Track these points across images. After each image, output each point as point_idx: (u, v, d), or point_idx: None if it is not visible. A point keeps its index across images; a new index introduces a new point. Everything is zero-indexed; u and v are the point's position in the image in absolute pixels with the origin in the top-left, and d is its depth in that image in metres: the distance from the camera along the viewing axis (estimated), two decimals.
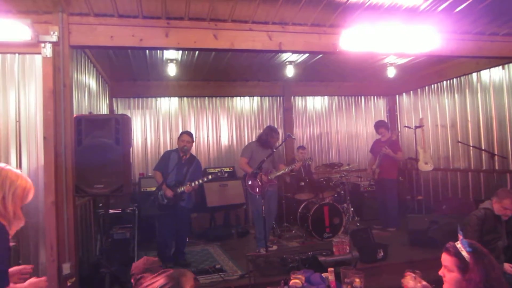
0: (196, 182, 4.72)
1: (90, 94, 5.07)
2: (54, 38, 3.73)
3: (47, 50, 3.73)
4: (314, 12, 4.19)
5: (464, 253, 1.88)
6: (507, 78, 5.74)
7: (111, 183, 3.40)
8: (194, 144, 7.11)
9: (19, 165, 3.65)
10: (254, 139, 7.60)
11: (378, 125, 6.60)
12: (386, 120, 7.10)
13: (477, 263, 1.84)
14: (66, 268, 3.63)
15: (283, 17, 4.25)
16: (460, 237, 1.99)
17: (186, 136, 4.97)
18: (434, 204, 6.97)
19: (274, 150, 5.27)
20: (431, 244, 4.97)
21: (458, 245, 1.94)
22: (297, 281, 2.63)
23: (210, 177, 4.90)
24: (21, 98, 3.73)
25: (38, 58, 3.75)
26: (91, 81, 5.22)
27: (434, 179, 7.29)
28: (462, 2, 4.15)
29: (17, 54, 3.74)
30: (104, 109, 6.11)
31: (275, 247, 5.49)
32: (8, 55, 3.73)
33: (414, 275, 2.40)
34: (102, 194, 3.48)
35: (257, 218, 5.18)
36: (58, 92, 3.72)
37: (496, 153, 5.89)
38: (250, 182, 5.20)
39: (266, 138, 5.31)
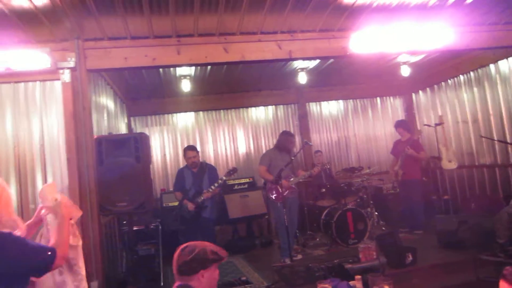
0: (213, 187, 4.75)
1: (108, 115, 5.22)
2: (71, 64, 3.88)
3: (66, 76, 3.88)
4: (321, 17, 4.22)
5: None
6: None
7: (134, 200, 3.47)
8: (212, 157, 7.25)
9: None
10: (271, 147, 7.67)
11: (396, 126, 6.49)
12: (405, 120, 6.97)
13: None
14: (94, 286, 3.69)
15: (291, 25, 4.30)
16: None
17: (191, 152, 5.00)
18: (462, 203, 6.76)
19: (293, 158, 5.23)
20: (462, 246, 4.80)
21: None
22: None
23: (223, 178, 4.84)
24: (44, 123, 3.88)
25: (57, 84, 3.91)
26: (109, 102, 5.37)
27: (459, 177, 7.07)
28: None
29: (38, 82, 3.91)
30: (123, 128, 6.26)
31: (300, 256, 5.43)
32: (30, 83, 3.90)
33: None
34: (126, 211, 3.55)
35: (280, 227, 5.13)
36: (78, 115, 3.85)
37: None
38: (271, 190, 5.17)
39: (283, 144, 5.29)
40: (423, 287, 3.93)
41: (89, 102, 4.00)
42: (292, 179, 5.23)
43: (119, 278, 4.56)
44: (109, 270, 4.32)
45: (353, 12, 4.15)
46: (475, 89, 6.60)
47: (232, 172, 4.91)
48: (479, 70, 6.45)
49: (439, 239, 5.21)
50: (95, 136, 3.76)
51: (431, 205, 7.04)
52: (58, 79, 3.89)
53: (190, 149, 5.05)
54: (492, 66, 6.18)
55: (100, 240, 3.82)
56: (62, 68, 3.88)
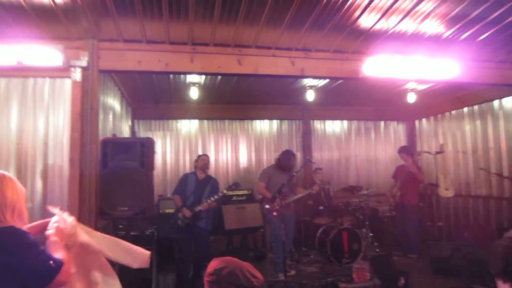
0: (212, 198, 4.74)
1: (114, 116, 5.19)
2: (84, 63, 3.87)
3: (77, 74, 3.86)
4: (337, 39, 4.26)
5: None
6: None
7: (135, 206, 3.44)
8: (213, 166, 7.22)
9: (45, 186, 3.72)
10: (272, 162, 7.65)
11: (399, 151, 6.55)
12: (408, 146, 7.04)
13: None
14: None
15: (306, 43, 4.32)
16: (502, 285, 1.81)
17: (205, 157, 5.22)
18: (455, 231, 6.81)
19: (295, 174, 5.23)
20: (454, 273, 4.85)
21: None
22: None
23: (224, 191, 4.89)
24: (50, 120, 3.84)
25: (67, 82, 3.88)
26: (116, 104, 5.35)
27: (455, 206, 7.11)
28: (485, 31, 4.16)
29: (47, 78, 3.87)
30: (126, 131, 6.23)
31: (293, 272, 5.42)
32: (40, 79, 3.86)
33: None
34: (126, 217, 3.51)
35: (275, 243, 5.13)
36: (85, 115, 3.82)
37: None
38: (267, 206, 5.19)
39: (285, 163, 5.33)
40: None
41: (97, 102, 3.98)
42: (289, 197, 5.25)
43: None
44: None
45: (369, 36, 4.19)
46: (478, 122, 6.68)
47: (234, 187, 4.96)
48: (483, 104, 6.54)
49: (432, 265, 5.25)
50: (101, 138, 3.72)
51: (426, 230, 7.09)
52: (69, 77, 3.87)
53: (205, 155, 5.37)
54: (496, 101, 6.27)
55: None
56: (74, 67, 3.86)
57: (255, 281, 1.73)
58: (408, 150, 6.56)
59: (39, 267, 1.59)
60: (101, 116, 4.27)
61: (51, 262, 1.60)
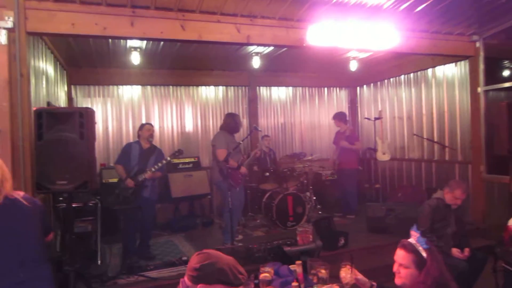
0: (156, 166, 4.67)
1: (47, 82, 4.82)
2: (9, 24, 3.50)
3: (2, 37, 3.49)
4: (282, 6, 4.23)
5: (421, 250, 2.01)
6: (459, 75, 6.11)
7: (75, 179, 3.27)
8: (158, 133, 7.06)
9: None
10: (218, 128, 7.58)
11: (333, 117, 6.83)
12: (344, 112, 7.28)
13: (433, 259, 1.97)
14: None
15: (252, 10, 4.24)
16: (414, 233, 2.10)
17: (150, 126, 5.00)
18: (390, 192, 7.35)
19: (241, 142, 5.18)
20: (388, 231, 5.30)
21: (413, 242, 2.06)
22: (267, 274, 2.70)
23: (168, 158, 4.78)
24: None
25: None
26: (49, 68, 4.96)
27: (390, 169, 7.66)
28: (422, 2, 4.36)
29: None
30: (62, 97, 5.84)
31: (240, 237, 5.58)
32: None
33: (350, 268, 2.53)
34: (66, 190, 3.36)
35: (236, 211, 5.05)
36: (14, 82, 3.51)
37: (446, 144, 6.29)
38: (232, 175, 4.98)
39: (235, 125, 5.22)
40: None
41: (27, 69, 3.65)
42: (245, 161, 5.28)
43: (54, 257, 4.34)
44: None
45: (314, 4, 4.20)
46: (413, 89, 7.11)
47: (177, 154, 4.86)
48: (419, 73, 6.95)
49: (368, 224, 5.66)
50: (34, 108, 3.46)
51: (364, 192, 7.58)
52: None
53: (149, 124, 5.13)
54: (430, 70, 6.68)
55: None
56: None
57: (242, 278, 1.72)
58: (340, 116, 6.77)
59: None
60: (32, 82, 3.96)
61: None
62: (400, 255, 2.06)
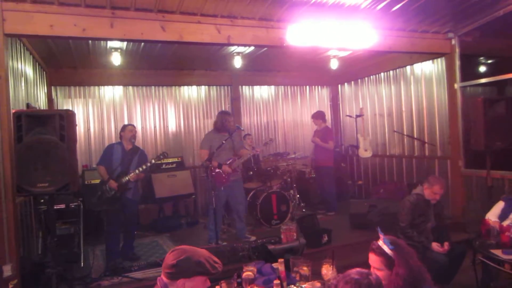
0: (140, 169, 4.63)
1: (27, 83, 4.77)
2: None
3: None
4: (262, 6, 4.27)
5: (388, 251, 2.05)
6: (436, 72, 6.25)
7: (57, 182, 3.25)
8: (140, 134, 7.03)
9: None
10: (202, 128, 7.65)
11: (312, 117, 6.91)
12: (322, 111, 7.30)
13: (399, 257, 2.03)
14: (7, 270, 3.46)
15: (231, 10, 4.28)
16: (381, 236, 2.17)
17: (132, 127, 4.94)
18: (372, 188, 7.45)
19: (224, 142, 5.02)
20: (370, 227, 5.38)
21: (381, 243, 2.11)
22: (249, 273, 2.73)
23: (153, 161, 4.76)
24: None
25: None
26: (28, 69, 4.90)
27: (372, 165, 7.79)
28: (398, 2, 4.46)
29: None
30: (42, 98, 5.76)
31: (224, 236, 5.60)
32: None
33: (331, 264, 2.60)
34: (47, 193, 3.33)
35: (218, 211, 5.05)
36: None
37: (426, 140, 6.44)
38: (214, 174, 4.98)
39: (221, 124, 5.17)
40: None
41: (5, 70, 3.61)
42: (234, 161, 5.11)
43: (35, 260, 4.30)
44: (24, 252, 4.06)
45: (293, 5, 4.26)
46: (393, 87, 7.25)
47: (162, 156, 4.83)
48: (397, 70, 7.09)
49: (351, 221, 5.74)
50: (13, 110, 3.42)
51: (346, 189, 7.69)
52: None
53: (131, 125, 5.04)
54: (408, 67, 6.83)
55: (15, 221, 3.57)
56: None
57: (218, 266, 1.80)
58: (318, 115, 6.83)
59: None
60: (11, 83, 3.90)
61: None
62: (372, 258, 2.12)
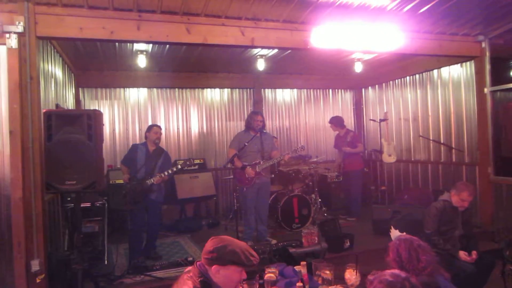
0: (166, 173, 4.70)
1: (56, 84, 4.92)
2: (19, 29, 3.59)
3: (13, 41, 3.59)
4: (286, 9, 4.27)
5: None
6: (465, 76, 6.07)
7: (84, 180, 3.34)
8: (164, 135, 7.12)
9: None
10: (224, 130, 7.71)
11: (330, 122, 6.83)
12: (341, 116, 7.13)
13: (400, 241, 2.22)
14: (35, 264, 3.57)
15: (256, 13, 4.30)
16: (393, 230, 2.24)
17: (158, 129, 4.98)
18: (396, 194, 7.31)
19: (247, 143, 5.01)
20: None
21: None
22: (272, 275, 2.73)
23: (179, 166, 4.80)
24: None
25: (2, 49, 3.60)
26: (57, 71, 5.05)
27: (396, 171, 7.63)
28: (426, 3, 4.36)
29: None
30: (70, 99, 5.93)
31: (274, 241, 5.49)
32: None
33: (354, 269, 2.56)
34: (74, 190, 3.42)
35: (244, 212, 5.10)
36: (24, 85, 3.61)
37: (453, 146, 6.25)
38: (237, 175, 5.06)
39: (249, 122, 5.19)
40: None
41: (37, 72, 3.74)
42: (259, 164, 5.06)
43: (61, 256, 4.41)
44: (51, 248, 4.17)
45: (317, 7, 4.24)
46: (418, 91, 7.09)
47: (189, 163, 4.91)
48: (424, 74, 6.93)
49: (374, 226, 5.65)
50: (43, 110, 3.54)
51: (369, 194, 7.55)
52: (4, 44, 3.59)
53: (157, 126, 5.06)
54: (435, 71, 6.66)
55: (43, 217, 3.68)
56: (9, 32, 3.58)
57: (254, 260, 1.88)
58: (337, 120, 6.75)
59: None
60: (42, 84, 4.04)
61: None
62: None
